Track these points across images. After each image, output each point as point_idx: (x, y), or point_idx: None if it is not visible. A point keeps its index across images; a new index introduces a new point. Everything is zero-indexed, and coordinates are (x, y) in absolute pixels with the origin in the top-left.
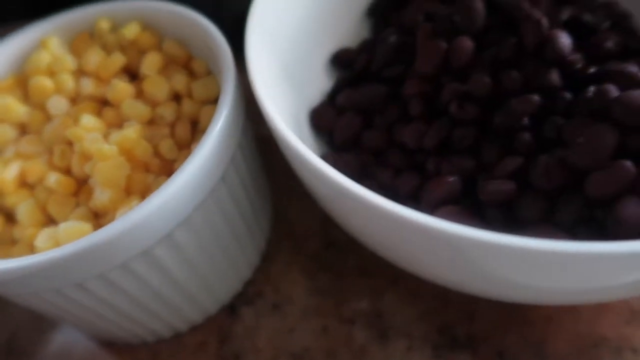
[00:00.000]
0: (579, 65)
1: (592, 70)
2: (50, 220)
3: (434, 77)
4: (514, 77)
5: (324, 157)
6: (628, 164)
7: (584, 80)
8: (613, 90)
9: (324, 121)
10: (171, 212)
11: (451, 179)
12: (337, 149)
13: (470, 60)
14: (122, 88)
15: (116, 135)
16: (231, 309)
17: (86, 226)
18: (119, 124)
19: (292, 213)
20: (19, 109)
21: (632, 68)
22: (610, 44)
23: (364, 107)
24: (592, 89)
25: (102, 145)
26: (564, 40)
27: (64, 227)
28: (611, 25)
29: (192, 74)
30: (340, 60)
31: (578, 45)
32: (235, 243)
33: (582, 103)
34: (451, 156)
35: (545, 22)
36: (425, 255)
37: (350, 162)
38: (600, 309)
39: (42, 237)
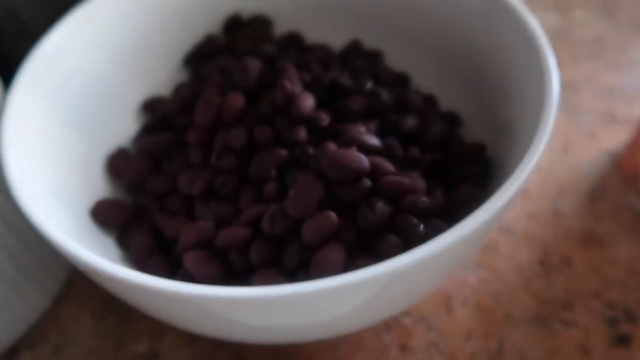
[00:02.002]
0: (324, 123)
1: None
2: None
3: (211, 128)
4: (264, 132)
5: (95, 204)
6: (332, 214)
7: (330, 137)
8: (329, 148)
9: (117, 167)
10: None
11: (202, 225)
12: (128, 192)
13: (238, 115)
14: None
15: None
16: (10, 354)
17: None
18: None
19: None
20: None
21: (356, 129)
22: (355, 105)
23: (153, 153)
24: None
25: None
26: (306, 101)
27: None
28: (373, 86)
29: None
30: (149, 108)
31: (332, 104)
32: (5, 288)
33: (308, 158)
34: (213, 202)
35: (289, 85)
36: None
37: (122, 207)
38: (355, 346)
39: None
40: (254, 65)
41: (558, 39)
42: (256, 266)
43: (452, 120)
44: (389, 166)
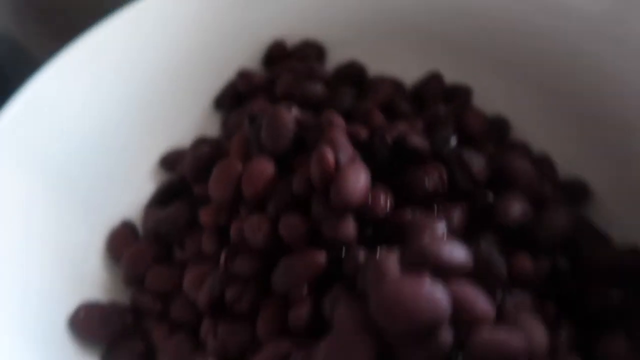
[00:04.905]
0: (383, 213)
1: (409, 215)
2: None
3: (229, 205)
4: (294, 224)
5: (76, 311)
6: None
7: (391, 231)
8: (386, 271)
9: (117, 249)
10: None
11: None
12: (127, 285)
13: (263, 191)
14: None
15: None
16: None
17: None
18: None
19: None
20: None
21: (430, 231)
22: (430, 182)
23: (161, 234)
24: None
25: None
26: (355, 181)
27: None
28: (457, 146)
29: None
30: (168, 164)
31: (397, 174)
32: None
33: (356, 269)
34: (221, 324)
35: (330, 156)
36: None
37: (111, 315)
38: None
39: None
40: (289, 119)
41: None
42: None
43: (577, 196)
44: (483, 306)
